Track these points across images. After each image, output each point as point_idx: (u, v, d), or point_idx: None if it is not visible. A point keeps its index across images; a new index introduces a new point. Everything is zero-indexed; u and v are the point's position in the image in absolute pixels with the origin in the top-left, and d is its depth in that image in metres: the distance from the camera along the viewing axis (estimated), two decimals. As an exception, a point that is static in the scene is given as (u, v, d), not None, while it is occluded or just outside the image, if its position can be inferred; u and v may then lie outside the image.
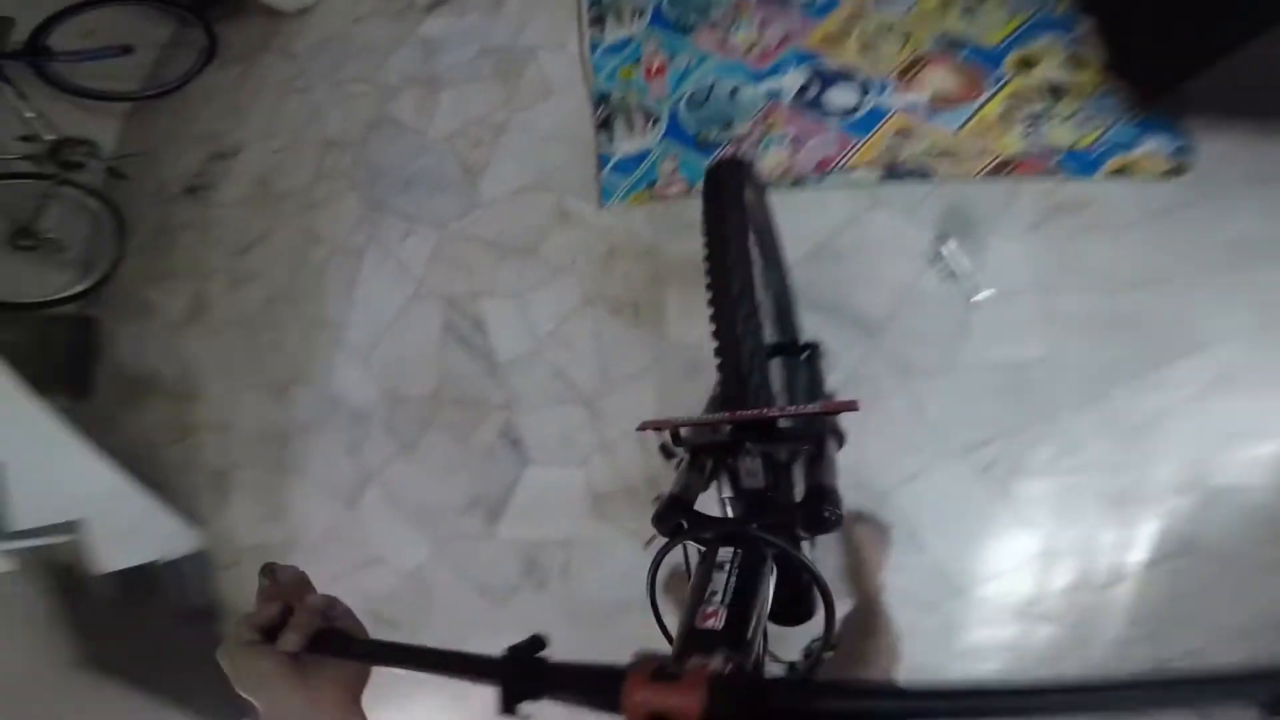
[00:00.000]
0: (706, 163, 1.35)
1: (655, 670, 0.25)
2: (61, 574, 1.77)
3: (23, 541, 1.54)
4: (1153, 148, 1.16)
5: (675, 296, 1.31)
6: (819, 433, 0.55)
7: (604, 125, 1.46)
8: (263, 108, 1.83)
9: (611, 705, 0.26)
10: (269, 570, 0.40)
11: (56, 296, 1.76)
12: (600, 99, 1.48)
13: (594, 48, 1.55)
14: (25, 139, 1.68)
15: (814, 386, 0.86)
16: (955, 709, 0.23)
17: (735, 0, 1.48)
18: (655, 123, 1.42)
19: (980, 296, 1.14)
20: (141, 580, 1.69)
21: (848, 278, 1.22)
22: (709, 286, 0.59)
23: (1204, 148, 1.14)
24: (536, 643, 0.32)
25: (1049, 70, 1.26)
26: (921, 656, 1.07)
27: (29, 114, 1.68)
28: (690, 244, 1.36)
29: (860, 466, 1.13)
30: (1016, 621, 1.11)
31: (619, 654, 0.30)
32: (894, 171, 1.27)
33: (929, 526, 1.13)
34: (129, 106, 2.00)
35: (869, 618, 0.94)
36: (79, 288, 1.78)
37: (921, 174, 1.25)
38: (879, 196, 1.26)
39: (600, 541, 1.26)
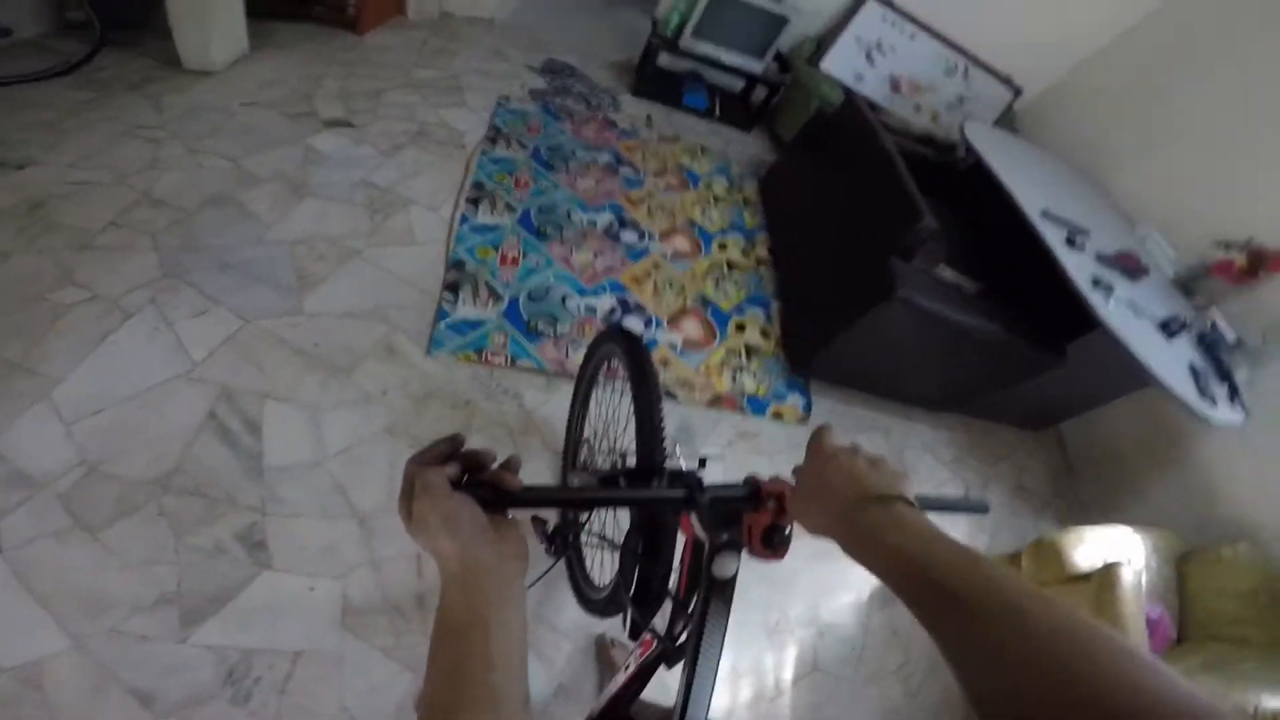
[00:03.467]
0: (616, 327, 1.68)
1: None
2: None
3: None
4: (793, 401, 1.91)
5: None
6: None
7: (451, 287, 1.70)
8: (90, 140, 1.64)
9: (753, 505, 0.52)
10: (454, 440, 0.43)
11: None
12: (455, 264, 1.76)
13: (463, 220, 1.89)
14: None
15: None
16: None
17: (584, 230, 2.03)
18: (497, 301, 1.72)
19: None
20: None
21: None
22: (635, 391, 0.89)
23: (818, 405, 1.92)
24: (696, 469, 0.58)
25: (750, 336, 2.01)
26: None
27: None
28: (503, 408, 1.61)
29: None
30: (720, 734, 1.36)
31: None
32: (652, 386, 1.78)
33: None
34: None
35: None
36: None
37: (670, 395, 1.77)
38: (637, 404, 1.72)
39: (343, 656, 1.18)
